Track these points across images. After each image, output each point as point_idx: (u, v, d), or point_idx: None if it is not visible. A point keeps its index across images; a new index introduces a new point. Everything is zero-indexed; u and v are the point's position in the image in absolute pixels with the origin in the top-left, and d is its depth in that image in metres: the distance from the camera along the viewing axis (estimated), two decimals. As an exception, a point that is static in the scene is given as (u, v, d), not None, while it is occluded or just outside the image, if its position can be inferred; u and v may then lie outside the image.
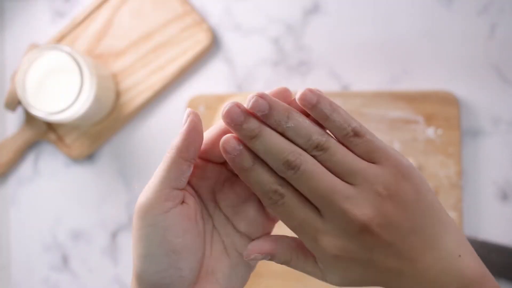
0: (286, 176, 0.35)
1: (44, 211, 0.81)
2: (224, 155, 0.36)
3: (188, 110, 0.36)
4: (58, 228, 0.80)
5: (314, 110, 0.35)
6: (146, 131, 0.79)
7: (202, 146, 0.37)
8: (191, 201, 0.38)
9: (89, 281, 0.80)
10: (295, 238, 0.38)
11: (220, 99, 0.76)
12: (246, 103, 0.35)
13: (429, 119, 0.73)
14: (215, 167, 0.39)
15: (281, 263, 0.38)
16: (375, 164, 0.36)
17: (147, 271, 0.36)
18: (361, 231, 0.35)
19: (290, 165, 0.35)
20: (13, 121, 0.81)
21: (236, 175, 0.38)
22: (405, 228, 0.35)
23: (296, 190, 0.36)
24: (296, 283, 0.75)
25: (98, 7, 0.79)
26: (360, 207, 0.34)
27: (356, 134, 0.35)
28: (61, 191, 0.80)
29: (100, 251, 0.80)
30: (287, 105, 0.36)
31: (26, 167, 0.81)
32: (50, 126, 0.79)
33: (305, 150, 0.35)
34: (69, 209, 0.80)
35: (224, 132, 0.37)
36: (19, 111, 0.80)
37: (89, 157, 0.80)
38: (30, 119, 0.79)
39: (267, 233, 0.40)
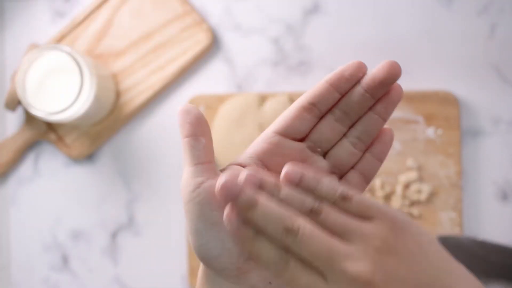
0: (287, 242, 0.36)
1: (44, 211, 0.81)
2: (228, 227, 0.37)
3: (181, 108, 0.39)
4: (58, 228, 0.80)
5: (300, 185, 0.37)
6: (146, 131, 0.79)
7: (281, 122, 0.40)
8: None
9: (89, 281, 0.80)
10: None
11: (220, 99, 0.76)
12: (238, 180, 0.36)
13: (429, 119, 0.73)
14: (293, 145, 0.40)
15: None
16: (370, 221, 0.36)
17: (195, 245, 0.38)
18: None
19: (290, 231, 0.35)
20: (13, 121, 0.81)
21: (314, 157, 0.40)
22: (412, 282, 0.34)
23: (297, 256, 0.36)
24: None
25: (98, 7, 0.79)
26: (361, 264, 0.34)
27: (344, 198, 0.36)
28: (61, 191, 0.80)
29: (100, 251, 0.80)
30: (276, 180, 0.37)
31: (26, 167, 0.81)
32: (50, 126, 0.79)
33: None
34: (69, 209, 0.80)
35: (303, 108, 0.39)
36: (19, 111, 0.80)
37: (89, 157, 0.80)
38: (30, 119, 0.79)
39: None
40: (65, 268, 0.80)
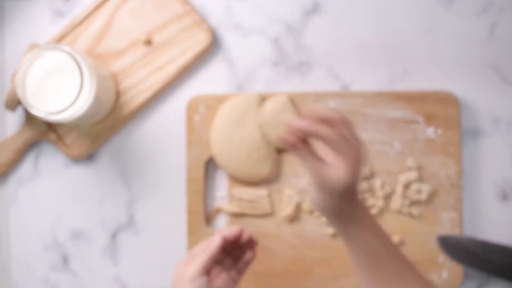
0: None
1: (44, 211, 0.81)
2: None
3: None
4: (58, 228, 0.80)
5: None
6: (146, 131, 0.79)
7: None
8: None
9: (89, 281, 0.80)
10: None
11: (220, 99, 0.76)
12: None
13: (429, 119, 0.73)
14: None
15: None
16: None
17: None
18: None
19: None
20: (13, 121, 0.81)
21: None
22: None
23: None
24: (296, 282, 0.75)
25: (98, 7, 0.79)
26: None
27: None
28: (61, 191, 0.80)
29: (100, 251, 0.80)
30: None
31: (26, 167, 0.81)
32: (50, 126, 0.79)
33: None
34: (69, 209, 0.80)
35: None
36: (19, 111, 0.80)
37: (89, 157, 0.80)
38: (30, 119, 0.79)
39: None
40: (65, 268, 0.80)
